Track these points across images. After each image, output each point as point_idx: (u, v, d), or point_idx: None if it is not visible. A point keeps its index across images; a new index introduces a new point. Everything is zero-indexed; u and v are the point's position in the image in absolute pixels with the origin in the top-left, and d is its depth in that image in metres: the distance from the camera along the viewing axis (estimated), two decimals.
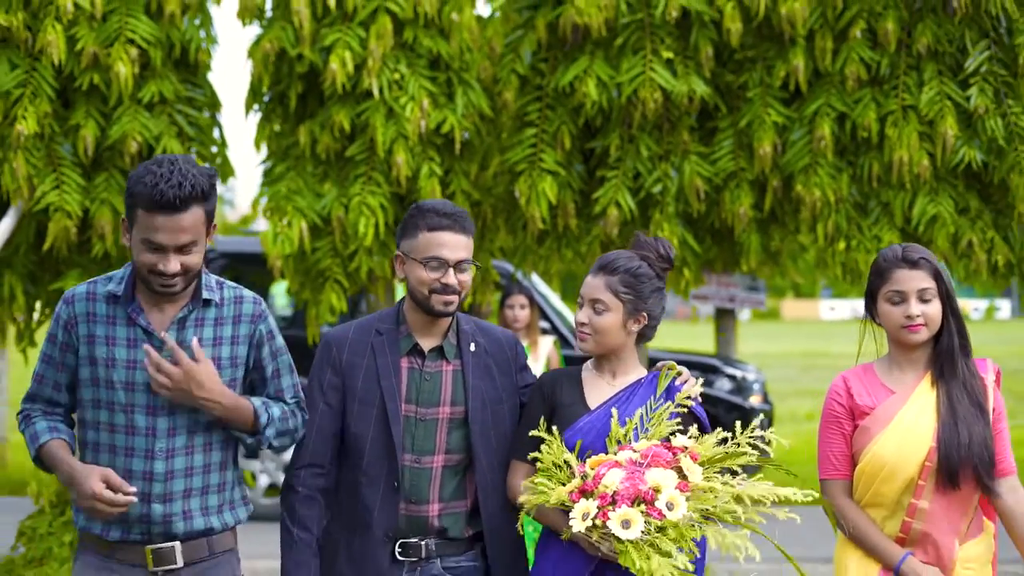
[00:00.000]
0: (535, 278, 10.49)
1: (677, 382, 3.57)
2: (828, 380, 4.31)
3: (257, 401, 3.39)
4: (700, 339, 22.90)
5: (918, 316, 3.55)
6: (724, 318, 12.57)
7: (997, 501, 3.57)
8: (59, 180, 6.84)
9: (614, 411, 3.50)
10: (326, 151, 7.40)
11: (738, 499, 3.28)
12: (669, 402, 3.51)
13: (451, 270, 3.50)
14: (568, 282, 23.38)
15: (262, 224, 9.78)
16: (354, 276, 7.49)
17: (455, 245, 3.51)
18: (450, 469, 3.58)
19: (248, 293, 3.46)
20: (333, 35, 7.15)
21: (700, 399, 3.58)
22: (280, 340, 3.48)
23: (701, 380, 3.62)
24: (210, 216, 3.25)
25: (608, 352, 3.60)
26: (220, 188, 7.27)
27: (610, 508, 3.20)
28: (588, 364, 3.69)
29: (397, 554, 3.53)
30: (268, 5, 7.44)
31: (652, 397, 3.54)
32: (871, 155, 7.28)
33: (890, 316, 3.59)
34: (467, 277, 3.56)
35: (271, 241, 7.25)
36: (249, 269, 10.14)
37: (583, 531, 3.24)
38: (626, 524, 3.18)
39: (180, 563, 3.30)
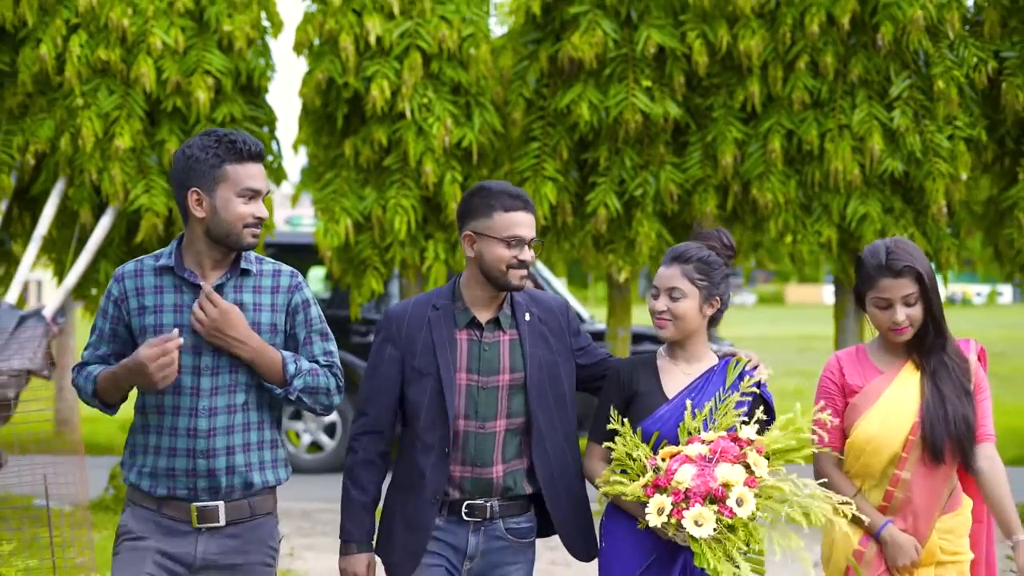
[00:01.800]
0: (539, 264, 11.34)
1: (748, 368, 3.54)
2: (821, 361, 4.41)
3: (288, 353, 3.36)
4: None
5: (903, 321, 3.54)
6: None
7: (974, 468, 3.57)
8: (148, 186, 7.86)
9: (688, 403, 3.44)
10: (367, 161, 8.34)
11: (804, 512, 3.22)
12: (735, 392, 3.46)
13: (526, 247, 3.52)
14: (573, 267, 24.04)
15: (300, 219, 10.71)
16: (389, 264, 8.46)
17: (529, 224, 3.54)
18: (511, 432, 3.56)
19: (286, 267, 3.45)
20: (373, 67, 8.12)
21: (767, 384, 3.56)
22: (316, 311, 3.45)
23: (770, 369, 3.60)
24: None
25: (686, 336, 3.54)
26: (274, 188, 8.24)
27: (683, 506, 3.18)
28: (661, 351, 3.64)
29: (464, 514, 3.55)
30: (316, 40, 8.40)
31: (721, 388, 3.50)
32: (813, 165, 8.16)
33: (877, 318, 3.59)
34: (533, 253, 3.57)
35: (322, 235, 8.26)
36: (291, 257, 11.14)
37: (659, 525, 3.22)
38: (698, 522, 3.15)
39: (223, 521, 3.28)
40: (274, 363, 3.31)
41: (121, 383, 3.26)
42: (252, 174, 3.27)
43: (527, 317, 3.60)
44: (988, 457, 3.55)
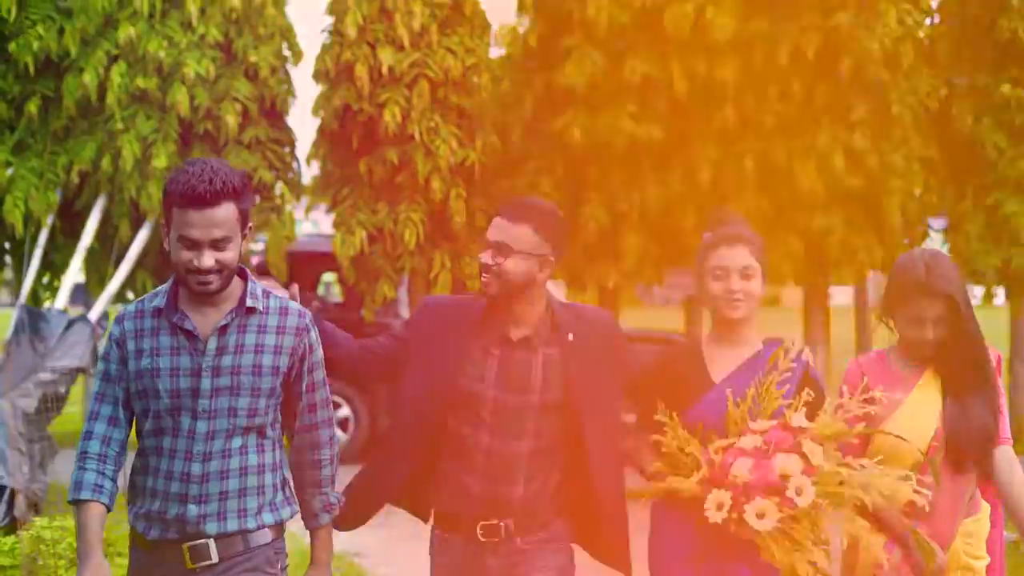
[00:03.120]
0: None
1: (793, 352, 3.40)
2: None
3: (319, 512, 3.29)
4: (671, 323, 23.60)
5: (931, 339, 3.45)
6: (692, 303, 13.55)
7: (993, 474, 3.50)
8: None
9: (728, 393, 3.31)
10: (379, 179, 9.07)
11: (864, 488, 3.15)
12: (774, 372, 3.32)
13: (490, 250, 3.36)
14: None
15: (309, 227, 11.30)
16: (400, 272, 9.18)
17: (495, 227, 3.39)
18: (537, 453, 3.38)
19: (294, 305, 3.23)
20: (385, 94, 8.89)
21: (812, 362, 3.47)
22: (319, 354, 3.26)
23: (808, 349, 3.49)
24: (244, 216, 3.07)
25: (751, 316, 3.43)
26: (292, 202, 8.99)
27: (744, 500, 3.08)
28: (706, 337, 3.52)
29: (479, 535, 3.39)
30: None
31: (761, 372, 3.36)
32: (782, 182, 8.84)
33: (906, 333, 3.50)
34: (502, 260, 3.34)
35: (339, 245, 9.00)
36: (305, 263, 11.76)
37: (720, 521, 3.12)
38: (760, 516, 3.06)
39: (215, 559, 3.13)
40: (331, 537, 3.33)
41: (78, 545, 3.13)
42: (191, 222, 2.99)
43: (570, 337, 3.41)
44: (1007, 460, 3.49)
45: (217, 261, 3.03)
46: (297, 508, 3.31)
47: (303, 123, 19.89)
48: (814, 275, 9.33)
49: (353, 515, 3.51)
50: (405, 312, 11.00)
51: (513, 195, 9.07)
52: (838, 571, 3.52)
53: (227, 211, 3.02)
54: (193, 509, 3.12)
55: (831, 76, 8.90)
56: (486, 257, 3.37)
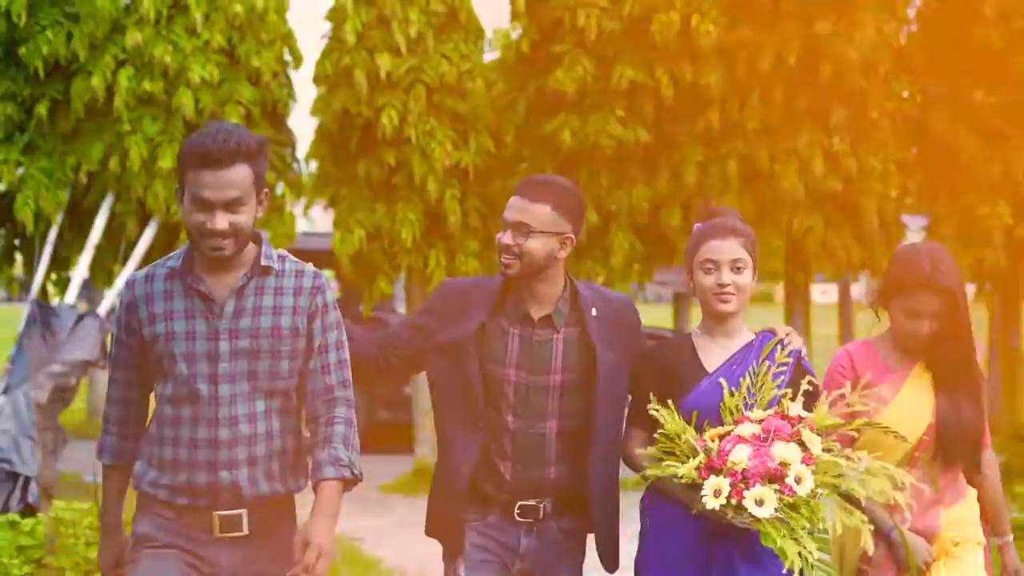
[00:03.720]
0: None
1: (785, 342, 3.36)
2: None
3: (329, 470, 3.06)
4: (661, 319, 23.90)
5: (926, 333, 3.40)
6: (681, 299, 14.26)
7: (978, 474, 3.53)
8: None
9: (722, 380, 3.27)
10: (377, 180, 9.34)
11: (862, 484, 3.10)
12: (768, 362, 3.30)
13: (509, 231, 3.28)
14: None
15: (305, 224, 11.57)
16: (396, 269, 9.48)
17: (514, 207, 3.31)
18: (564, 434, 3.34)
19: (309, 267, 3.16)
20: (383, 98, 9.16)
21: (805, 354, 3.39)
22: (334, 315, 3.15)
23: (800, 339, 3.41)
24: (260, 179, 3.00)
25: (742, 310, 3.37)
26: (292, 201, 9.29)
27: (743, 486, 3.02)
28: (696, 329, 3.46)
29: (516, 515, 3.34)
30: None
31: (755, 362, 3.32)
32: (765, 185, 9.14)
33: (902, 325, 3.44)
34: (523, 240, 3.28)
35: (339, 243, 9.28)
36: (307, 259, 12.15)
37: (717, 508, 3.04)
38: (759, 502, 3.00)
39: (246, 530, 3.05)
40: (338, 495, 3.08)
41: (100, 514, 3.21)
42: (204, 182, 2.93)
43: (594, 312, 3.38)
44: (988, 462, 3.54)
45: (231, 224, 2.96)
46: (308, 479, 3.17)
47: (302, 123, 20.26)
48: (795, 273, 9.65)
49: (441, 529, 3.45)
50: (401, 308, 11.37)
51: (505, 196, 9.40)
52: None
53: (242, 173, 2.95)
54: (224, 475, 3.04)
55: (811, 82, 9.15)
56: (506, 238, 3.31)
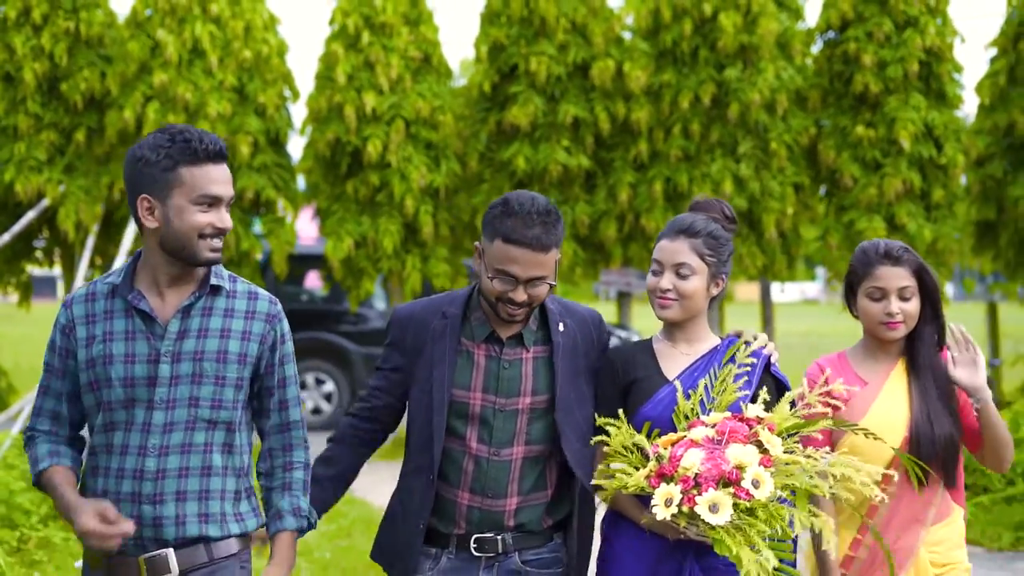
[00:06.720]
0: None
1: (753, 345, 3.07)
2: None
3: (289, 520, 2.85)
4: (608, 316, 23.91)
5: (897, 314, 3.20)
6: (623, 298, 14.94)
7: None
8: None
9: (678, 384, 3.01)
10: (363, 198, 10.71)
11: (823, 475, 2.82)
12: (731, 365, 3.02)
13: (521, 286, 2.98)
14: None
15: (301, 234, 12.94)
16: (379, 272, 10.86)
17: (527, 263, 2.95)
18: (530, 460, 3.08)
19: (264, 292, 2.90)
20: (369, 130, 10.53)
21: (777, 362, 3.12)
22: (290, 346, 2.91)
23: (773, 345, 3.14)
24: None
25: (689, 318, 3.09)
26: (289, 213, 10.86)
27: (695, 492, 2.72)
28: (658, 335, 3.19)
29: (473, 550, 3.07)
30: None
31: (716, 365, 3.06)
32: (685, 203, 10.32)
33: (869, 311, 3.23)
34: (539, 291, 2.99)
35: (331, 250, 10.67)
36: (297, 263, 13.32)
37: (668, 518, 2.74)
38: (714, 508, 2.70)
39: (175, 571, 2.74)
40: (295, 544, 2.87)
41: (59, 508, 2.77)
42: (212, 177, 2.73)
43: (561, 328, 3.11)
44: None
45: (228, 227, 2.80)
46: (262, 520, 2.91)
47: (297, 145, 22.04)
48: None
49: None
50: (380, 304, 12.89)
51: (469, 211, 10.65)
52: (803, 564, 3.31)
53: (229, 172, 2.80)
54: (147, 510, 2.74)
55: (722, 118, 10.52)
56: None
